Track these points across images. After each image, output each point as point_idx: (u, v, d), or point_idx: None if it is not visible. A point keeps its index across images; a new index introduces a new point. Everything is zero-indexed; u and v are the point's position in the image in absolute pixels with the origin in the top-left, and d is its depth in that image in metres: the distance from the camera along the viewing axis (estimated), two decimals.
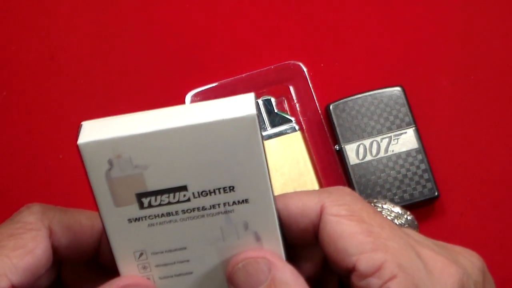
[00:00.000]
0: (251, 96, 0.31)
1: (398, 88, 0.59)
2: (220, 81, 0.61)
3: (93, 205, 0.31)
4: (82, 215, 0.33)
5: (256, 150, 0.30)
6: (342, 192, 0.33)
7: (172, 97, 0.61)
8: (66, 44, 0.64)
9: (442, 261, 0.31)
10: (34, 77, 0.63)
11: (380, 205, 0.52)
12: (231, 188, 0.31)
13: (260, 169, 0.31)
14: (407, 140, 0.57)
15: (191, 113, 0.30)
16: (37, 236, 0.32)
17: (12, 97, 0.63)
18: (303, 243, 0.33)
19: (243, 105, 0.30)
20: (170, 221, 0.31)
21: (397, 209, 0.52)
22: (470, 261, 0.33)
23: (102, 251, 0.34)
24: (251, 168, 0.31)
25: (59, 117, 0.62)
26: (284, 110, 0.60)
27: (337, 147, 0.58)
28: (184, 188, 0.31)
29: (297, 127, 0.59)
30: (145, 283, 0.32)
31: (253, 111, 0.30)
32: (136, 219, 0.31)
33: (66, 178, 0.59)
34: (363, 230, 0.31)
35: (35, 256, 0.31)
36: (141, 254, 0.32)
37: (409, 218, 0.52)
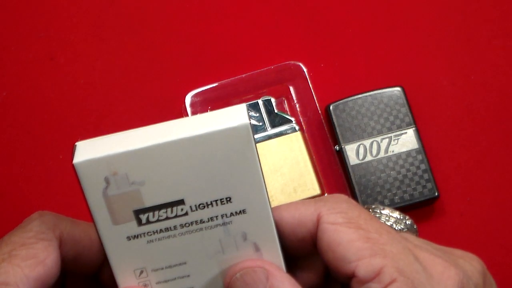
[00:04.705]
0: (243, 106, 0.31)
1: (398, 88, 0.59)
2: (220, 81, 0.61)
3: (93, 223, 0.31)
4: (92, 229, 0.33)
5: (251, 159, 0.30)
6: (338, 200, 0.33)
7: (172, 97, 0.61)
8: (66, 44, 0.64)
9: (441, 263, 0.31)
10: (34, 77, 0.63)
11: (378, 211, 0.52)
12: (228, 199, 0.31)
13: (255, 178, 0.31)
14: (407, 140, 0.57)
15: (184, 126, 0.30)
16: (48, 246, 0.31)
17: (12, 97, 0.63)
18: (303, 253, 0.33)
19: (235, 115, 0.30)
20: (169, 237, 0.31)
21: (396, 214, 0.52)
22: (470, 264, 0.33)
23: (104, 270, 0.34)
24: (247, 177, 0.31)
25: (59, 117, 0.62)
26: (284, 110, 0.60)
27: (337, 147, 0.58)
28: (181, 202, 0.31)
29: (297, 128, 0.59)
30: None
31: (246, 120, 0.30)
32: (135, 236, 0.31)
33: (66, 178, 0.59)
34: (360, 237, 0.31)
35: (46, 267, 0.31)
36: (141, 272, 0.32)
37: (408, 222, 0.52)
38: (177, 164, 0.30)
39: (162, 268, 0.32)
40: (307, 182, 0.57)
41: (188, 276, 0.32)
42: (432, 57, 0.62)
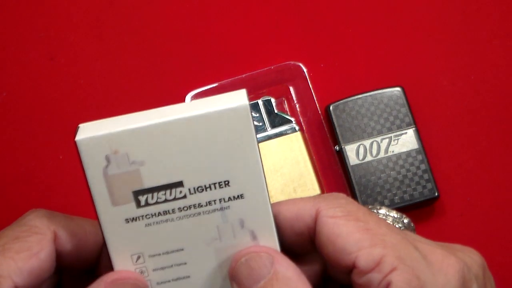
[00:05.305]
0: (243, 91, 0.31)
1: (398, 88, 0.59)
2: (220, 81, 0.61)
3: (92, 206, 0.31)
4: (87, 223, 0.33)
5: (250, 140, 0.31)
6: (336, 196, 0.33)
7: (172, 97, 0.61)
8: (66, 44, 0.64)
9: (441, 253, 0.32)
10: (34, 77, 0.63)
11: (375, 210, 0.52)
12: (226, 183, 0.31)
13: (253, 161, 0.31)
14: (407, 140, 0.57)
15: (186, 108, 0.31)
16: (42, 239, 0.31)
17: (12, 97, 0.63)
18: (300, 250, 0.34)
19: (235, 98, 0.31)
20: (167, 220, 0.31)
21: (393, 213, 0.52)
22: (470, 257, 0.33)
23: (101, 263, 0.34)
24: (245, 160, 0.31)
25: (59, 117, 0.62)
26: (284, 111, 0.60)
27: (337, 148, 0.58)
28: (180, 184, 0.31)
29: (297, 128, 0.59)
30: (134, 276, 0.32)
31: (245, 101, 0.30)
32: (133, 218, 0.31)
33: (66, 178, 0.59)
34: (360, 228, 0.31)
35: (39, 260, 0.31)
36: (138, 257, 0.32)
37: (405, 221, 0.52)
38: (177, 144, 0.30)
39: (159, 254, 0.32)
40: (307, 182, 0.57)
41: (185, 263, 0.32)
42: (432, 57, 0.62)
